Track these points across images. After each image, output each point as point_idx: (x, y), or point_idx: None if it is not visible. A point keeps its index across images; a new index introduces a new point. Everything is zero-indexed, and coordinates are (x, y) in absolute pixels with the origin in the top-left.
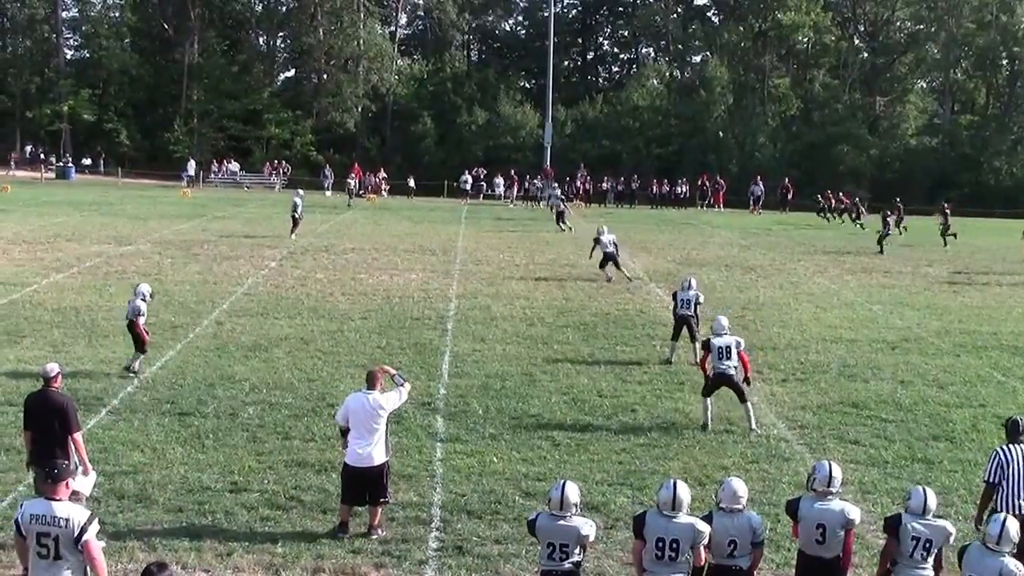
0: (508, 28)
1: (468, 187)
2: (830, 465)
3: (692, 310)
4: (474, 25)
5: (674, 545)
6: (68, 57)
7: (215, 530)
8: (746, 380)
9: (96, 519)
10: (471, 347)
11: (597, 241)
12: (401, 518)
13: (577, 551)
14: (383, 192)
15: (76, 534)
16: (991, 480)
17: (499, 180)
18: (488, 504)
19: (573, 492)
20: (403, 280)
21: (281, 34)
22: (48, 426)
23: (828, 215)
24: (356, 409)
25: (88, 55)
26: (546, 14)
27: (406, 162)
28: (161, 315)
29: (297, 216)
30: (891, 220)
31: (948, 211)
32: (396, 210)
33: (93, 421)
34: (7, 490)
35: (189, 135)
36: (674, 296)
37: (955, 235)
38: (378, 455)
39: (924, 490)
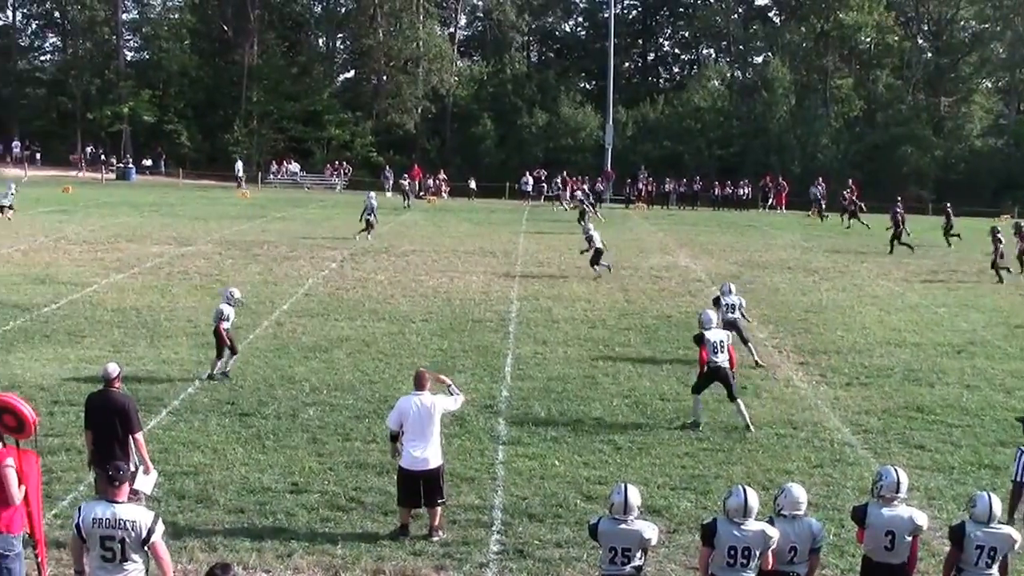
0: (568, 29)
1: (529, 189)
2: (897, 471)
3: (737, 314)
4: (534, 26)
5: (746, 552)
6: (128, 59)
7: (276, 531)
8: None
9: (160, 519)
10: (533, 349)
11: (590, 240)
12: (462, 521)
13: (639, 555)
14: (443, 194)
15: (143, 536)
16: (1019, 479)
17: (557, 181)
18: (549, 507)
19: (635, 495)
20: (464, 282)
21: (340, 35)
22: (109, 426)
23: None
24: (408, 411)
25: (148, 57)
26: (606, 15)
27: (466, 164)
28: None
29: (372, 219)
30: (900, 218)
31: (949, 211)
32: (456, 212)
33: (154, 421)
34: (68, 489)
35: (249, 136)
36: (716, 302)
37: (958, 235)
38: (434, 458)
39: (989, 496)
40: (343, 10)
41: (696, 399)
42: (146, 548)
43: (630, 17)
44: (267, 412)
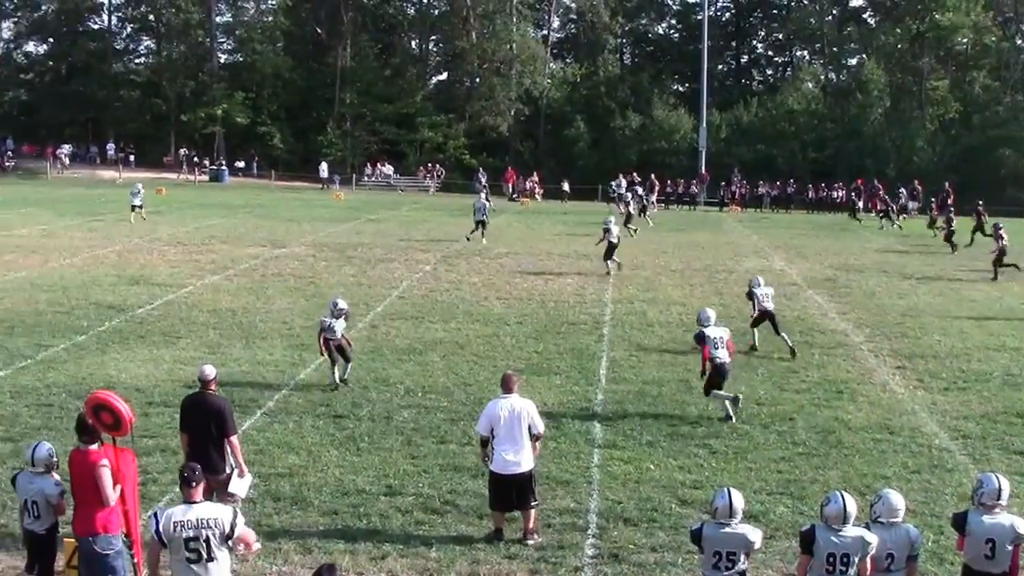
0: (661, 31)
1: (622, 191)
2: (998, 478)
3: (771, 303)
4: (627, 28)
5: (845, 559)
6: (222, 61)
7: (370, 533)
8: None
9: (239, 512)
10: (628, 353)
11: (607, 231)
12: (557, 524)
13: (743, 559)
14: (536, 196)
15: (227, 532)
16: None
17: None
18: (644, 511)
19: (739, 499)
20: (558, 285)
21: (433, 37)
22: (205, 429)
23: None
24: (497, 416)
25: (242, 59)
26: (700, 17)
27: (559, 166)
28: (315, 317)
29: (485, 219)
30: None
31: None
32: (549, 214)
33: (248, 423)
34: (163, 491)
35: (342, 138)
36: (750, 295)
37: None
38: (526, 461)
39: None
40: (436, 12)
41: (716, 394)
42: (230, 542)
43: (723, 19)
44: (362, 414)
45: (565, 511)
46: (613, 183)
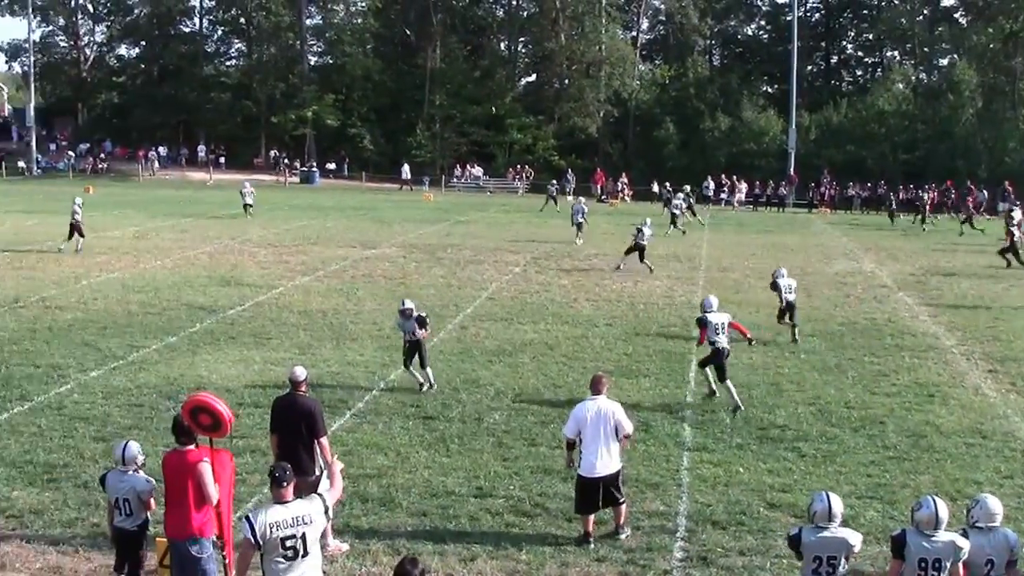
0: (750, 32)
1: (710, 193)
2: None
3: (794, 294)
4: (716, 29)
5: (936, 564)
6: (312, 63)
7: (459, 535)
8: (749, 341)
9: (326, 501)
10: None
11: (638, 232)
12: (647, 527)
13: (843, 563)
14: (625, 197)
15: (321, 525)
16: None
17: (742, 186)
18: (733, 515)
19: (838, 503)
20: (647, 287)
21: (523, 39)
22: (295, 430)
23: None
24: (584, 418)
25: (331, 61)
26: (789, 18)
27: (648, 168)
28: None
29: (583, 221)
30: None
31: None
32: (639, 215)
33: (338, 424)
34: (252, 492)
35: (431, 140)
36: (774, 286)
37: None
38: (613, 463)
39: None
40: (525, 14)
41: (726, 386)
42: (322, 534)
43: (813, 19)
44: (452, 416)
45: (654, 513)
46: (703, 184)
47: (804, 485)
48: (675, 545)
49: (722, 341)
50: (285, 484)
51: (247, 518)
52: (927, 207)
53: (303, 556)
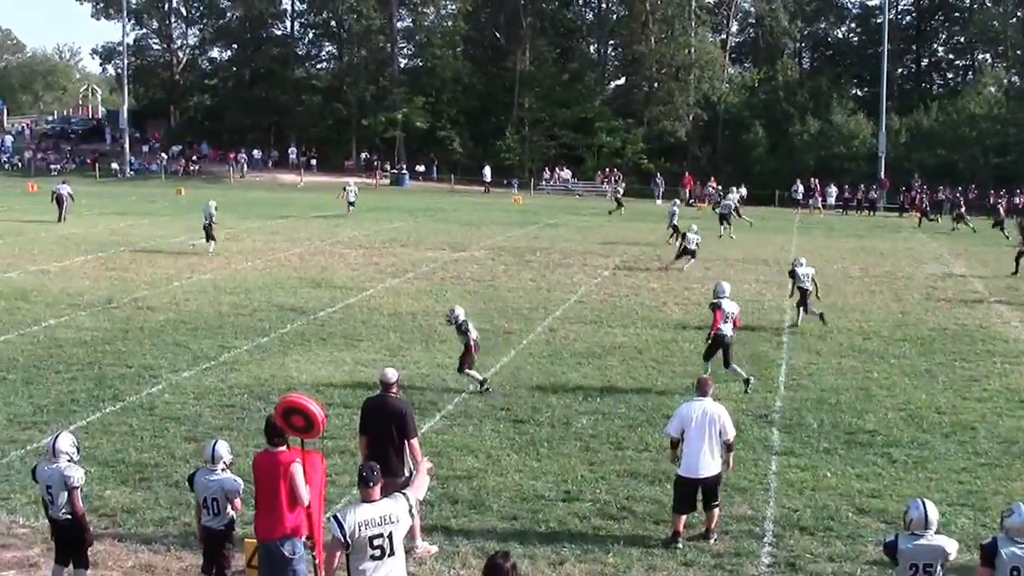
0: (840, 35)
1: (799, 196)
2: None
3: (809, 283)
4: (806, 32)
5: None
6: (402, 66)
7: (547, 538)
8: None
9: (409, 500)
10: (806, 360)
11: (684, 236)
12: (734, 531)
13: (940, 571)
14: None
15: (409, 520)
16: None
17: (832, 190)
18: (821, 520)
19: (934, 510)
20: (735, 291)
21: (612, 42)
22: (385, 431)
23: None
24: (689, 418)
25: (421, 64)
26: (880, 20)
27: (737, 171)
28: (495, 321)
29: (677, 224)
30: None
31: None
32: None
33: (427, 425)
34: (342, 493)
35: (520, 143)
36: (792, 274)
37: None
38: (714, 465)
39: None
40: (615, 17)
41: (706, 365)
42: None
43: (904, 22)
44: (541, 419)
45: (742, 518)
46: (792, 188)
47: (894, 491)
48: (763, 550)
49: (727, 329)
50: (372, 484)
51: (335, 517)
52: (1004, 212)
53: (390, 555)
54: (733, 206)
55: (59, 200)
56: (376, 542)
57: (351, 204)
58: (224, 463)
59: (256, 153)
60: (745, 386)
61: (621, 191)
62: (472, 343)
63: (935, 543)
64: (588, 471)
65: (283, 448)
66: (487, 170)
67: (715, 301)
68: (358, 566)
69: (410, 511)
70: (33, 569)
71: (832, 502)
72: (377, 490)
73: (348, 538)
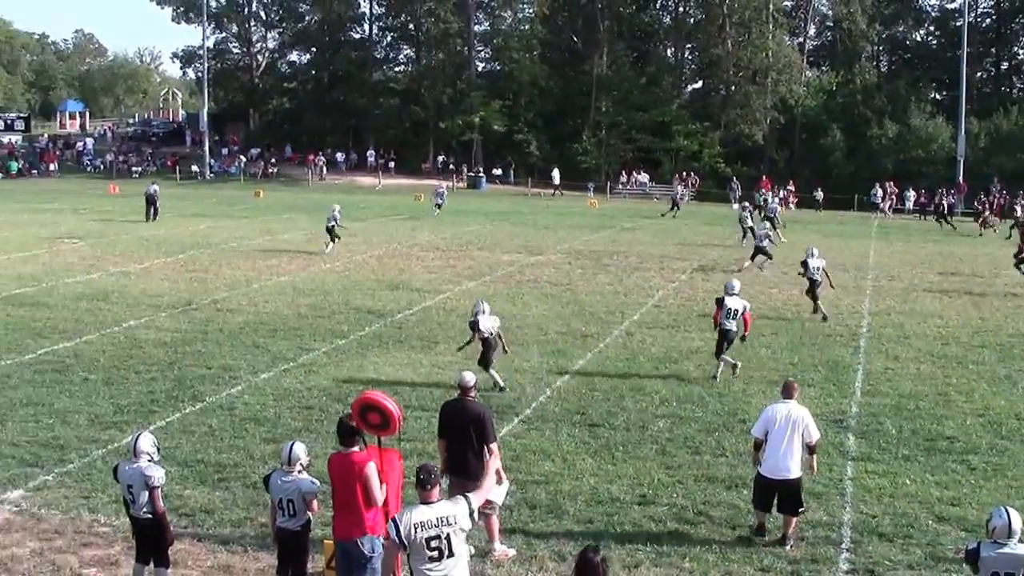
0: (919, 38)
1: (878, 201)
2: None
3: (820, 275)
4: (884, 35)
5: None
6: (479, 69)
7: (623, 542)
8: (742, 337)
9: (470, 503)
10: (884, 365)
11: (760, 239)
12: (811, 537)
13: None
14: (790, 205)
15: (468, 522)
16: None
17: (910, 194)
18: (900, 527)
19: (1017, 519)
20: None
21: (689, 46)
22: (464, 435)
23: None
24: (774, 419)
25: (499, 67)
26: (959, 23)
27: (814, 175)
28: (571, 324)
29: (753, 228)
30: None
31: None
32: (805, 224)
33: (505, 429)
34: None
35: (597, 146)
36: (804, 264)
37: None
38: (795, 468)
39: None
40: (692, 20)
41: (722, 358)
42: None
43: (983, 25)
44: (617, 423)
45: (818, 524)
46: (871, 192)
47: (974, 499)
48: (840, 557)
49: (730, 324)
50: (429, 486)
51: (393, 519)
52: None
53: (448, 556)
54: (777, 209)
55: (150, 200)
56: (433, 544)
57: (438, 207)
58: (301, 465)
59: (340, 156)
60: (733, 370)
61: (680, 192)
62: (485, 340)
63: (1019, 552)
64: (665, 475)
65: (356, 448)
66: (556, 173)
67: (720, 297)
68: (418, 567)
69: (471, 514)
70: (114, 567)
71: (911, 509)
72: (435, 492)
73: (404, 539)
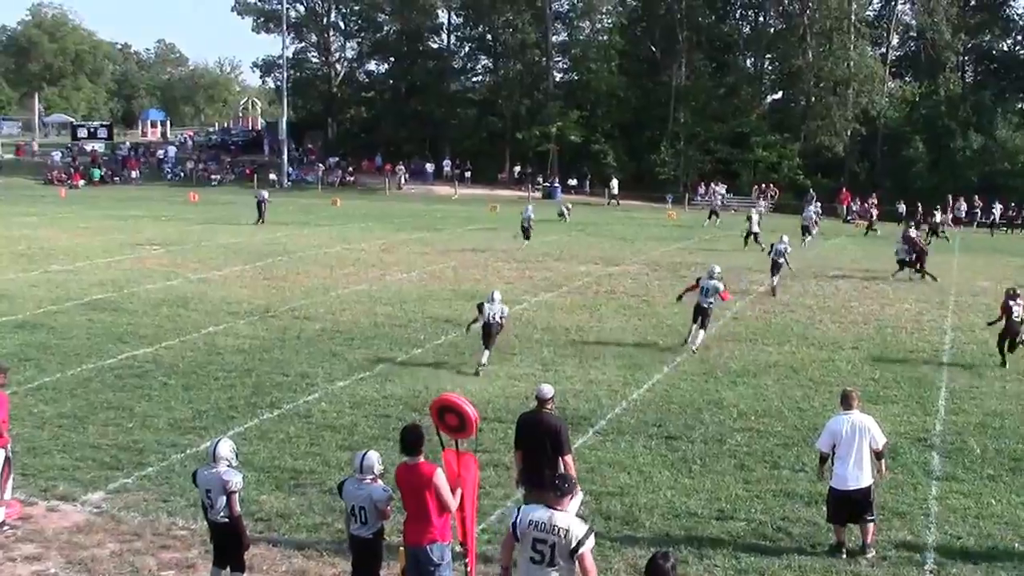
0: (1006, 48)
1: (962, 214)
2: None
3: (782, 259)
4: (969, 45)
5: None
6: (557, 80)
7: (700, 557)
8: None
9: (593, 533)
10: (968, 383)
11: (772, 247)
12: (893, 558)
13: None
14: (873, 218)
15: (574, 546)
16: None
17: (997, 207)
18: (985, 549)
19: None
20: (895, 310)
21: (769, 56)
22: (540, 447)
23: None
24: (839, 432)
25: (576, 77)
26: None
27: (896, 187)
28: (649, 337)
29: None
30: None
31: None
32: (885, 237)
33: (580, 441)
34: (495, 505)
35: (675, 157)
36: (772, 246)
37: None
38: (865, 477)
39: None
40: (772, 30)
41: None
42: (574, 557)
43: None
44: (694, 436)
45: (901, 544)
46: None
47: None
48: None
49: (707, 302)
50: (559, 494)
51: (519, 508)
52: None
53: (548, 565)
54: (814, 218)
55: (259, 204)
56: (538, 547)
57: (561, 215)
58: (373, 473)
59: (428, 166)
60: (692, 352)
61: (718, 200)
62: (487, 324)
63: None
64: (743, 489)
65: (421, 459)
66: (614, 183)
67: (699, 278)
68: (521, 564)
69: (583, 539)
70: (191, 570)
71: (996, 531)
72: (566, 500)
73: (518, 531)
